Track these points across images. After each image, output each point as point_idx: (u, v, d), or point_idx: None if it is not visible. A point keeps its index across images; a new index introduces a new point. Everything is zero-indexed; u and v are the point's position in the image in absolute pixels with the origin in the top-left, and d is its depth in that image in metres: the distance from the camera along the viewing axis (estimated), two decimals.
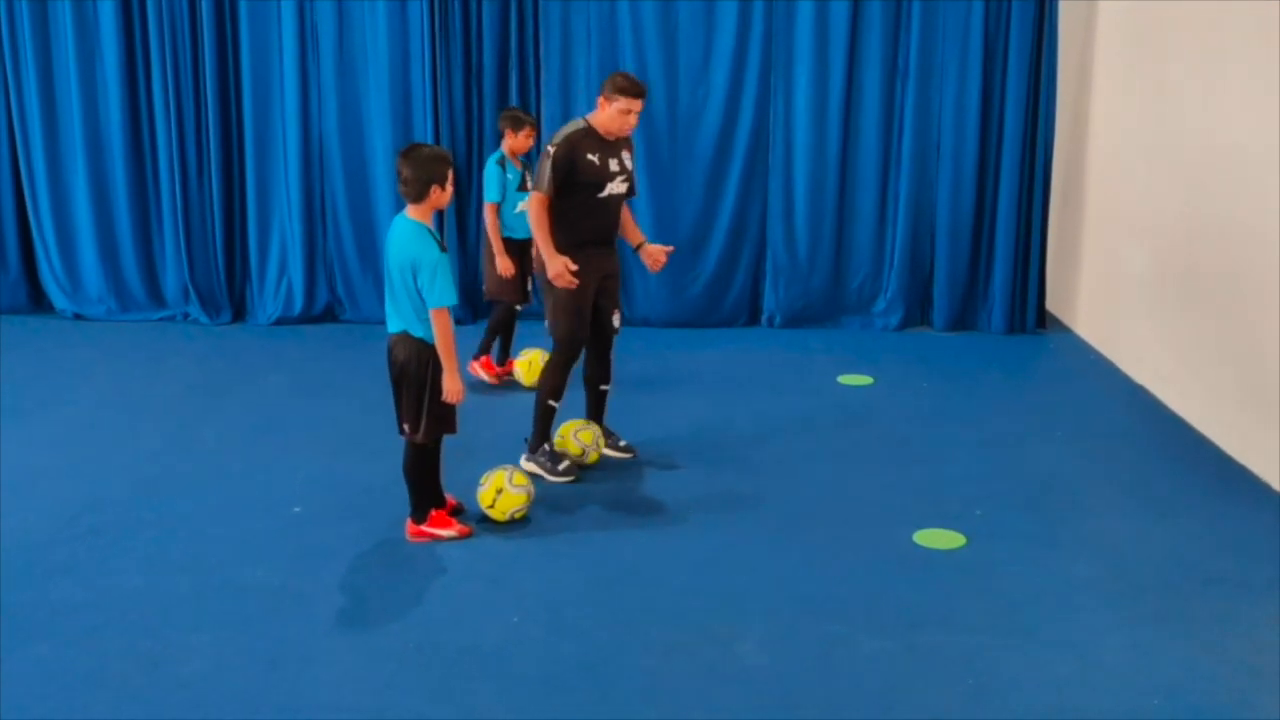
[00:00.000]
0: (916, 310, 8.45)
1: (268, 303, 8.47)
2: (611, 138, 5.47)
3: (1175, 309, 6.62)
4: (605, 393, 5.81)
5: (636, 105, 5.41)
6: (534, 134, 6.83)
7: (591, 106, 8.01)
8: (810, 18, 7.98)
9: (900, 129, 8.18)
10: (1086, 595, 4.47)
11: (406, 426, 4.80)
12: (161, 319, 8.47)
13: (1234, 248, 5.91)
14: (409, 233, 4.67)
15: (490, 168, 6.72)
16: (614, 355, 5.78)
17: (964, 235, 8.24)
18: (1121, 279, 7.46)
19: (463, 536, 4.93)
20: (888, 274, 8.38)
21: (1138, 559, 4.81)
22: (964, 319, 8.38)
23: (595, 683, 3.87)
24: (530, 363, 6.79)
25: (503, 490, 5.03)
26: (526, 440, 5.63)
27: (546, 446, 5.59)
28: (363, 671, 3.92)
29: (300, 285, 8.39)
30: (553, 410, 5.56)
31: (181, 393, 6.87)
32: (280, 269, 8.45)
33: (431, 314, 4.63)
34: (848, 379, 7.19)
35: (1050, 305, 8.55)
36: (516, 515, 5.06)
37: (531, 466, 5.53)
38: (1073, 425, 6.43)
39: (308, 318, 8.42)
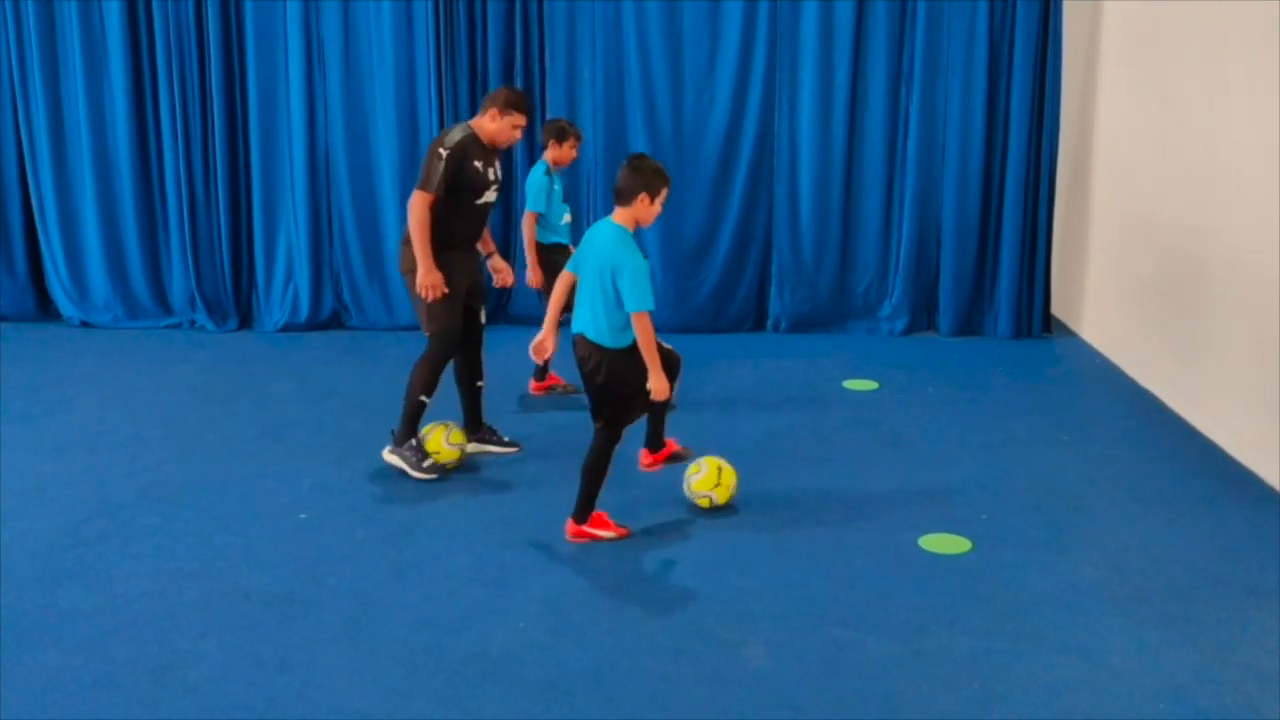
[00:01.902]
0: (922, 315, 8.44)
1: (274, 310, 8.49)
2: (493, 148, 5.68)
3: (1180, 312, 6.61)
4: (481, 389, 5.97)
5: (525, 121, 5.72)
6: (578, 145, 6.77)
7: (595, 111, 8.16)
8: (815, 21, 7.99)
9: (905, 132, 8.18)
10: (1093, 599, 4.46)
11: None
12: (168, 326, 8.50)
13: (1239, 251, 5.90)
14: (613, 236, 4.76)
15: (539, 177, 6.63)
16: (484, 353, 5.98)
17: (969, 239, 8.24)
18: (1127, 283, 7.45)
19: (621, 538, 4.95)
20: (893, 278, 8.37)
21: (1144, 563, 4.80)
22: (970, 323, 8.37)
23: (601, 687, 3.87)
24: None
25: (721, 468, 5.21)
26: (393, 432, 5.69)
27: (414, 441, 5.64)
28: (369, 677, 3.93)
29: (306, 292, 8.41)
30: (424, 406, 5.64)
31: (188, 399, 6.89)
32: (286, 276, 8.46)
33: (633, 318, 4.69)
34: (853, 384, 7.19)
35: (1056, 309, 8.54)
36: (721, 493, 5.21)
37: (395, 460, 5.61)
38: (1078, 429, 6.42)
39: (314, 324, 8.44)
